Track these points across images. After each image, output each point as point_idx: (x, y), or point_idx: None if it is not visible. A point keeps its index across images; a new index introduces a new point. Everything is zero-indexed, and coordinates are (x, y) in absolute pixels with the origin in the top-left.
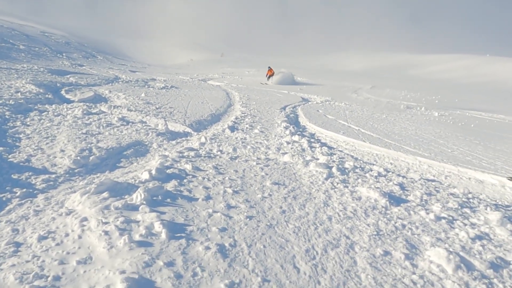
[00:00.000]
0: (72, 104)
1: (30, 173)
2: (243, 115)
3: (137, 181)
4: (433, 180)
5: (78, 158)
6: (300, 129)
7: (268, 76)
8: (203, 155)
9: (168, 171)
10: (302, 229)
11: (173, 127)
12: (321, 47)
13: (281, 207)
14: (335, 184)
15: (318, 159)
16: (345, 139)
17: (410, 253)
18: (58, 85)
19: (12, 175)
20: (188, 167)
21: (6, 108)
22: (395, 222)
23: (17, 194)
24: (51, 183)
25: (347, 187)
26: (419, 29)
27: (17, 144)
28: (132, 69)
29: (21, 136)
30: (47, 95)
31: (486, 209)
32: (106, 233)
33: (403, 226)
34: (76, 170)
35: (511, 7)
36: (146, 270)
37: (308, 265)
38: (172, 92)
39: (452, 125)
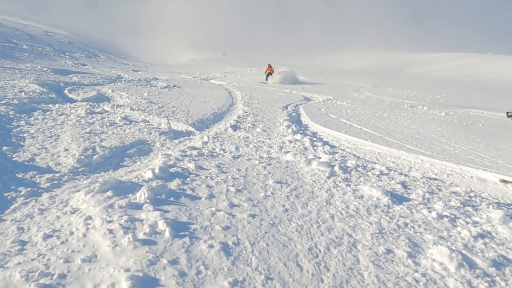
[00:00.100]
0: (75, 103)
1: (34, 172)
2: (245, 114)
3: (140, 180)
4: (435, 179)
5: (82, 157)
6: (302, 128)
7: (267, 73)
8: (205, 154)
9: (171, 170)
10: (305, 227)
11: (175, 126)
12: (322, 46)
13: (283, 206)
14: (338, 183)
15: (320, 157)
16: (347, 138)
17: (412, 251)
18: (61, 84)
19: (17, 174)
20: (191, 166)
21: (10, 107)
22: (398, 221)
23: (22, 193)
24: (56, 182)
25: (349, 185)
26: (420, 28)
27: (21, 143)
28: (135, 68)
29: (25, 135)
30: (50, 95)
31: (488, 207)
32: (110, 231)
33: (406, 224)
34: (80, 169)
35: None
36: (150, 268)
37: (311, 263)
38: (175, 91)
39: (454, 124)
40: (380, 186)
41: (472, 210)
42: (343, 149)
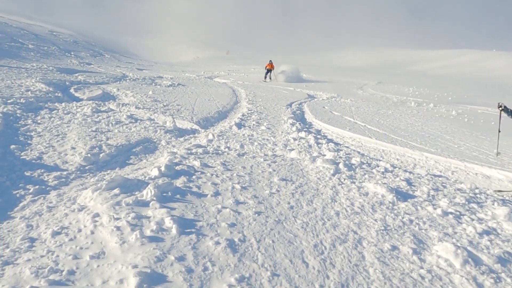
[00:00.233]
0: (81, 102)
1: (42, 170)
2: (249, 112)
3: (147, 178)
4: (440, 176)
5: (89, 155)
6: (307, 126)
7: (266, 70)
8: (211, 151)
9: (177, 167)
10: (310, 224)
11: (180, 124)
12: (324, 43)
13: (289, 203)
14: (342, 180)
15: (325, 155)
16: (352, 135)
17: (417, 248)
18: (67, 83)
19: (25, 172)
20: (197, 163)
21: (17, 106)
22: (403, 217)
23: (30, 190)
24: (63, 180)
25: (354, 182)
26: (422, 24)
27: (28, 142)
28: (139, 67)
29: (32, 134)
30: (56, 94)
31: (493, 204)
32: (118, 228)
33: (411, 221)
34: (87, 167)
35: None
36: (158, 265)
37: (317, 259)
38: (179, 89)
39: (459, 121)
40: (384, 183)
41: (477, 207)
42: (347, 147)
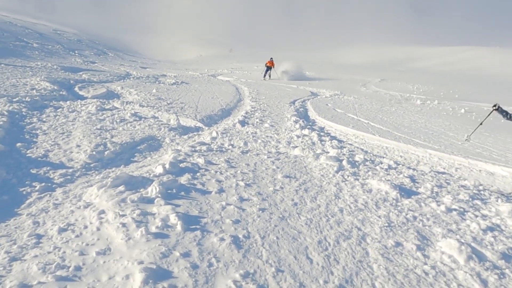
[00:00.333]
0: (85, 100)
1: (48, 168)
2: (253, 109)
3: (151, 175)
4: (443, 173)
5: (94, 153)
6: (310, 123)
7: (266, 67)
8: (214, 149)
9: (181, 165)
10: (314, 221)
11: (184, 122)
12: (327, 41)
13: (292, 200)
14: (346, 177)
15: (328, 152)
16: (355, 133)
17: (421, 244)
18: (71, 82)
19: (31, 170)
20: (201, 161)
21: (23, 105)
22: (406, 214)
23: (36, 188)
24: (69, 177)
25: (357, 179)
26: (424, 21)
27: (34, 140)
28: (143, 65)
29: (38, 132)
30: (61, 92)
31: (497, 201)
32: (123, 225)
33: (414, 217)
34: (92, 165)
35: None
36: (163, 261)
37: (321, 256)
38: (183, 87)
39: (462, 118)
40: (388, 180)
41: (481, 204)
42: (350, 144)
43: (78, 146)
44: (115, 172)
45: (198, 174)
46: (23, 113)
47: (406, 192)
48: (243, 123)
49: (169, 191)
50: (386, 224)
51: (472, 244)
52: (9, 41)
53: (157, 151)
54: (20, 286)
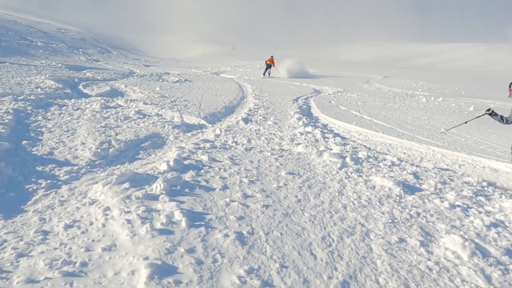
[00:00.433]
0: (90, 98)
1: (53, 165)
2: (256, 107)
3: (156, 172)
4: (447, 169)
5: (98, 150)
6: (313, 120)
7: (266, 65)
8: (218, 146)
9: (185, 162)
10: (317, 217)
11: (188, 120)
12: (329, 38)
13: (296, 196)
14: (349, 174)
15: (331, 149)
16: (358, 130)
17: (425, 240)
18: (75, 80)
19: (37, 167)
20: (205, 158)
21: (28, 103)
22: (410, 210)
23: (42, 185)
24: (74, 174)
25: (361, 176)
26: (427, 18)
27: (39, 137)
28: (146, 63)
29: (43, 130)
30: (65, 90)
31: (500, 197)
32: (128, 221)
33: (418, 214)
34: (97, 162)
35: None
36: (168, 257)
37: (325, 252)
38: (186, 85)
39: (465, 114)
40: (392, 177)
41: (484, 200)
42: (354, 141)
43: (83, 143)
44: (119, 169)
45: (202, 171)
46: (28, 111)
47: (410, 189)
48: (246, 120)
49: (174, 188)
50: (390, 221)
51: (476, 240)
52: (13, 39)
53: (161, 148)
54: (27, 282)
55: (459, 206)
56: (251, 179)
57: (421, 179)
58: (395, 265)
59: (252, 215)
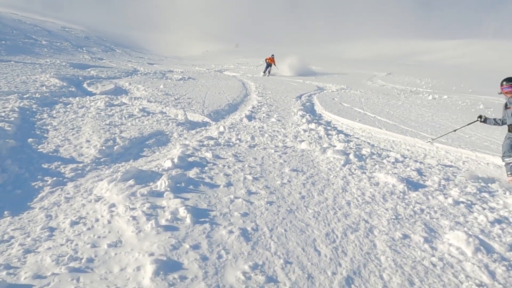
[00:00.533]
0: (94, 96)
1: (59, 163)
2: (259, 104)
3: (160, 169)
4: (450, 166)
5: (103, 148)
6: (316, 117)
7: (266, 64)
8: (222, 143)
9: (190, 159)
10: (321, 213)
11: (192, 117)
12: (332, 35)
13: (300, 193)
14: (353, 170)
15: (335, 146)
16: (361, 126)
17: (429, 236)
18: (80, 78)
19: (42, 165)
20: (209, 155)
21: (33, 101)
22: (414, 207)
23: (48, 182)
24: (79, 171)
25: (364, 173)
26: (431, 14)
27: (45, 135)
28: (150, 61)
29: (48, 127)
30: (70, 88)
31: (505, 193)
32: (134, 218)
33: (422, 210)
34: (102, 159)
35: None
36: (174, 253)
37: (329, 248)
38: (190, 83)
39: (469, 111)
40: (395, 173)
41: (488, 196)
42: (357, 138)
43: (88, 141)
44: (124, 167)
45: (206, 168)
46: (34, 109)
47: (413, 185)
48: (250, 117)
49: (178, 185)
50: (394, 217)
51: (480, 236)
52: (18, 38)
53: (165, 145)
54: (34, 277)
55: (463, 202)
56: (255, 176)
57: (424, 176)
58: (399, 261)
59: (256, 212)
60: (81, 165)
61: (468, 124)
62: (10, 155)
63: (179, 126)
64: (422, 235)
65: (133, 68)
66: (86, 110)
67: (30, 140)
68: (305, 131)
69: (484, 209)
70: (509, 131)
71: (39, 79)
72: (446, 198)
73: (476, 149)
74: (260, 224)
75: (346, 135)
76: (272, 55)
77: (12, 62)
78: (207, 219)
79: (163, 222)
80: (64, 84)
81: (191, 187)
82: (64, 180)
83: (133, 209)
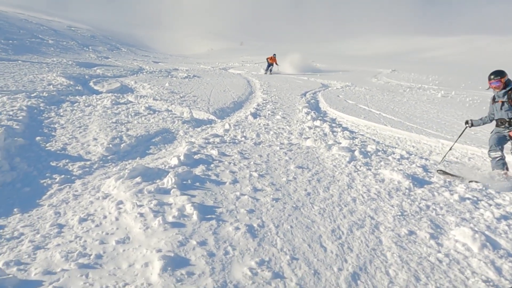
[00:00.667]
0: (100, 95)
1: (67, 160)
2: (264, 102)
3: (167, 167)
4: (456, 162)
5: (110, 145)
6: (321, 115)
7: (268, 63)
8: (228, 141)
9: (196, 156)
10: (327, 210)
11: (197, 115)
12: (337, 33)
13: (305, 190)
14: (358, 167)
15: (340, 143)
16: (366, 123)
17: (435, 232)
18: (86, 77)
19: (51, 163)
20: (214, 152)
21: (41, 100)
22: (419, 203)
23: (57, 180)
24: (87, 169)
25: (370, 169)
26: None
27: (52, 133)
28: (155, 60)
29: (56, 126)
30: (77, 87)
31: (511, 190)
32: (141, 215)
33: (427, 206)
34: (109, 157)
35: None
36: (181, 249)
37: (335, 244)
38: (195, 81)
39: (475, 107)
40: (400, 170)
41: (494, 193)
42: (362, 134)
43: (95, 139)
44: (131, 164)
45: (212, 165)
46: (41, 108)
47: (419, 182)
48: (255, 115)
49: (185, 182)
50: (399, 213)
51: (486, 232)
52: (25, 38)
53: (171, 143)
54: (44, 273)
55: (469, 198)
56: (261, 173)
57: (430, 172)
58: (405, 257)
59: (262, 208)
60: (88, 162)
61: (461, 134)
62: (19, 153)
63: (185, 124)
64: (428, 231)
65: (138, 67)
66: (92, 108)
67: (38, 138)
68: (310, 128)
69: (490, 205)
70: (497, 125)
71: (46, 78)
72: (452, 194)
73: (482, 145)
74: (266, 220)
75: (351, 132)
76: (274, 54)
77: (19, 61)
78: (213, 216)
79: (170, 218)
80: (71, 82)
81: (197, 184)
82: (72, 177)
83: (140, 206)
